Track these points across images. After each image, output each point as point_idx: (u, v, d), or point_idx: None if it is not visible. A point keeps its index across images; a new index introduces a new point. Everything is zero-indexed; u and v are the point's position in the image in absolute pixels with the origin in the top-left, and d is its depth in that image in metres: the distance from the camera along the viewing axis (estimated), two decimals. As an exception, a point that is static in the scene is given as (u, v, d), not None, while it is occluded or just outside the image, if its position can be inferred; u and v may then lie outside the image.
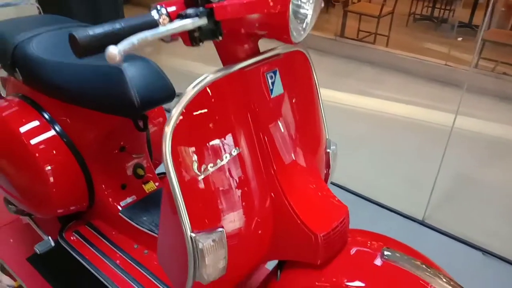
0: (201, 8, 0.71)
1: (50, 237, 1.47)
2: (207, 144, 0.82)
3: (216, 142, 0.83)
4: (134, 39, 0.63)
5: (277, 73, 0.88)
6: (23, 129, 1.37)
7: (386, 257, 0.92)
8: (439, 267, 0.95)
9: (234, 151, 0.84)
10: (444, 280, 0.89)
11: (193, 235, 0.82)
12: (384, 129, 3.32)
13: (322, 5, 0.86)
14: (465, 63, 4.27)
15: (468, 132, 3.30)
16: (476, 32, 5.31)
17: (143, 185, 1.53)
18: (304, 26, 0.85)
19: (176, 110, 0.78)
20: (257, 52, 0.89)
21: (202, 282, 0.88)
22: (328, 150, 1.11)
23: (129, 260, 1.40)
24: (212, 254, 0.84)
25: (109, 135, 1.43)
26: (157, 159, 1.62)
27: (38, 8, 1.69)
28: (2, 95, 1.70)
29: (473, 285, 1.91)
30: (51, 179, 1.36)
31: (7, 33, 1.42)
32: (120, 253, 1.42)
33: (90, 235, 1.49)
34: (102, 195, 1.47)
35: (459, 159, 2.92)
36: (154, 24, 0.68)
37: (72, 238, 1.49)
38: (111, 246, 1.45)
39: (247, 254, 0.92)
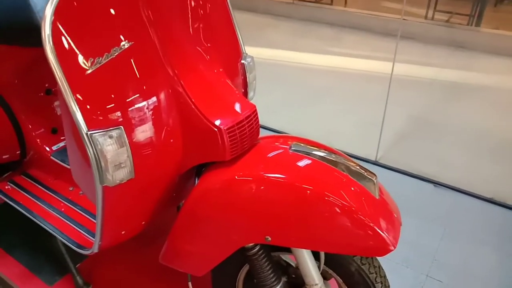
0: None
1: None
2: (93, 38, 0.80)
3: (102, 35, 0.81)
4: None
5: (166, -34, 0.87)
6: None
7: (294, 150, 0.93)
8: (347, 156, 0.96)
9: (123, 45, 0.83)
10: (348, 163, 0.90)
11: (89, 132, 0.81)
12: (339, 82, 3.35)
13: None
14: (421, 17, 4.32)
15: (421, 79, 3.37)
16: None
17: (74, 128, 1.50)
18: None
19: (50, 3, 0.76)
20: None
21: (109, 185, 0.87)
22: (243, 62, 1.11)
23: (66, 203, 1.38)
24: (112, 152, 0.83)
25: (33, 77, 1.39)
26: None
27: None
28: None
29: (425, 213, 1.96)
30: (-23, 126, 1.33)
31: None
32: (56, 197, 1.40)
33: (26, 184, 1.46)
34: (33, 142, 1.44)
35: (411, 103, 2.99)
36: None
37: (7, 187, 1.46)
38: (47, 192, 1.43)
39: (156, 157, 0.92)
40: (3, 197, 1.42)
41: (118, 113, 0.84)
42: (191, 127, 0.92)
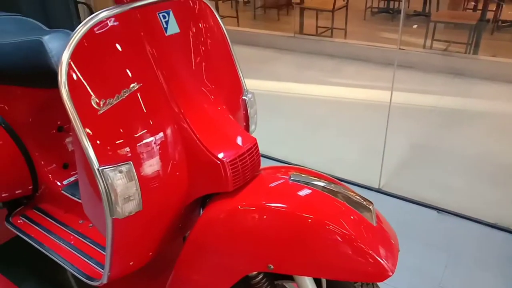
0: None
1: None
2: (104, 80, 0.87)
3: (113, 78, 0.88)
4: None
5: (171, 13, 0.94)
6: (-41, 117, 1.40)
7: (294, 180, 0.97)
8: (344, 185, 1.01)
9: (133, 86, 0.90)
10: (346, 192, 0.95)
11: (100, 168, 0.87)
12: (340, 112, 3.43)
13: None
14: (419, 46, 4.44)
15: (421, 106, 3.43)
16: (429, 18, 5.50)
17: (85, 164, 1.56)
18: None
19: (68, 48, 0.83)
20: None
21: (118, 217, 0.92)
22: (244, 98, 1.17)
23: (76, 235, 1.42)
24: (122, 186, 0.88)
25: (46, 115, 1.46)
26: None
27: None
28: None
29: (429, 239, 1.98)
30: (-9, 164, 1.39)
31: None
32: (67, 230, 1.45)
33: (37, 217, 1.51)
34: (45, 177, 1.50)
35: (412, 130, 3.04)
36: None
37: (19, 221, 1.51)
38: (58, 225, 1.47)
39: (163, 189, 0.97)
40: (15, 231, 1.47)
41: (128, 149, 0.89)
42: (195, 160, 0.97)
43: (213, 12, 1.10)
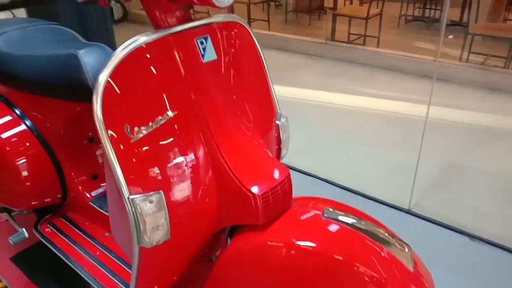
0: None
1: (24, 229, 1.51)
2: (139, 107, 0.85)
3: (148, 104, 0.86)
4: None
5: (208, 39, 0.92)
6: (-7, 125, 1.42)
7: (326, 216, 0.93)
8: (380, 223, 0.96)
9: (168, 114, 0.88)
10: (380, 230, 0.90)
11: (131, 197, 0.85)
12: (370, 125, 3.34)
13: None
14: (455, 59, 4.30)
15: (454, 122, 3.32)
16: (466, 29, 5.33)
17: (114, 175, 1.56)
18: None
19: (105, 72, 0.82)
20: (188, 19, 0.93)
21: (146, 246, 0.90)
22: (277, 122, 1.14)
23: (101, 249, 1.42)
24: (151, 216, 0.87)
25: (78, 126, 1.47)
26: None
27: (12, 13, 1.76)
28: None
29: (459, 270, 1.90)
30: (23, 172, 1.41)
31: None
32: (92, 242, 1.45)
33: (64, 227, 1.52)
34: (74, 186, 1.50)
35: (445, 147, 2.94)
36: None
37: (46, 230, 1.52)
38: (84, 236, 1.48)
39: (192, 218, 0.94)
40: (42, 240, 1.48)
41: (159, 178, 0.88)
42: (226, 190, 0.95)
43: (250, 34, 1.07)
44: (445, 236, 2.15)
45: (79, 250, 1.43)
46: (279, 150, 1.18)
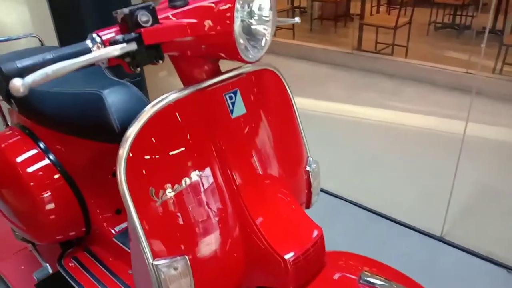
0: (132, 34, 0.70)
1: (48, 264, 1.49)
2: (165, 168, 0.81)
3: (175, 165, 0.81)
4: (49, 69, 0.63)
5: (238, 93, 0.86)
6: (19, 159, 1.40)
7: (364, 282, 0.87)
8: (419, 285, 0.89)
9: (194, 174, 0.83)
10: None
11: (155, 263, 0.81)
12: (400, 142, 3.22)
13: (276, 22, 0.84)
14: (488, 70, 4.12)
15: (490, 140, 3.17)
16: (501, 38, 5.12)
17: (137, 210, 1.53)
18: (262, 44, 0.83)
19: (132, 130, 0.78)
20: (217, 72, 0.88)
21: (169, 311, 0.85)
22: (308, 169, 1.08)
23: (123, 287, 1.39)
24: (175, 283, 0.82)
25: (101, 161, 1.44)
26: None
27: (40, 40, 1.76)
28: (9, 124, 1.77)
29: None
30: (47, 206, 1.39)
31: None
32: (114, 279, 1.42)
33: (88, 262, 1.50)
34: (97, 221, 1.48)
35: (480, 169, 2.80)
36: (87, 53, 0.68)
37: (70, 264, 1.50)
38: (106, 273, 1.45)
39: (217, 281, 0.89)
40: (66, 276, 1.46)
41: (184, 242, 0.83)
42: (254, 252, 0.89)
43: (281, 79, 1.01)
44: (481, 267, 2.03)
45: None
46: (309, 197, 1.12)
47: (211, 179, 0.85)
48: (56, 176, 1.42)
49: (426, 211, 2.42)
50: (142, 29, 0.70)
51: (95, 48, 0.70)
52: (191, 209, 0.83)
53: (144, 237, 0.80)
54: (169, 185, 0.80)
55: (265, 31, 0.82)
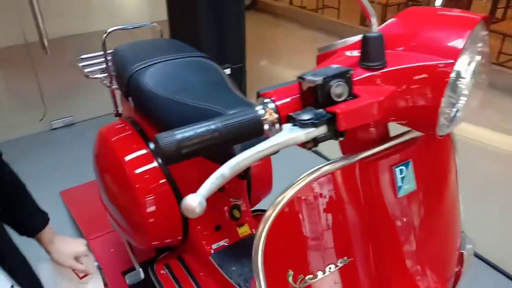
0: (320, 111, 0.54)
1: (141, 270, 1.46)
2: (307, 251, 0.66)
3: (320, 249, 0.67)
4: (226, 169, 0.50)
5: (410, 165, 0.68)
6: (127, 158, 1.36)
7: None
8: None
9: (340, 262, 0.67)
10: None
11: None
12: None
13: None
14: None
15: None
16: None
17: (237, 228, 1.43)
18: (456, 118, 0.64)
19: (275, 206, 0.64)
20: (386, 137, 0.70)
21: None
22: (462, 251, 0.88)
23: (211, 308, 1.32)
24: None
25: (211, 173, 1.35)
26: (255, 204, 1.52)
27: (160, 31, 1.70)
28: (119, 111, 1.75)
29: None
30: (148, 209, 1.34)
31: (126, 60, 1.43)
32: (204, 299, 1.35)
33: (180, 273, 1.44)
34: (196, 232, 1.41)
35: None
36: (258, 124, 0.54)
37: (161, 272, 1.46)
38: (196, 288, 1.38)
39: None
40: (156, 283, 1.42)
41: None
42: None
43: (452, 145, 0.81)
44: None
45: None
46: (457, 278, 0.92)
47: (356, 268, 0.70)
48: (161, 181, 1.36)
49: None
50: (337, 110, 0.53)
51: (267, 115, 0.56)
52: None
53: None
54: (310, 271, 0.66)
55: (459, 103, 0.63)
